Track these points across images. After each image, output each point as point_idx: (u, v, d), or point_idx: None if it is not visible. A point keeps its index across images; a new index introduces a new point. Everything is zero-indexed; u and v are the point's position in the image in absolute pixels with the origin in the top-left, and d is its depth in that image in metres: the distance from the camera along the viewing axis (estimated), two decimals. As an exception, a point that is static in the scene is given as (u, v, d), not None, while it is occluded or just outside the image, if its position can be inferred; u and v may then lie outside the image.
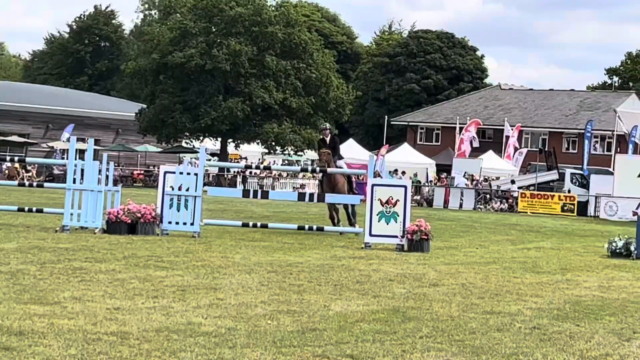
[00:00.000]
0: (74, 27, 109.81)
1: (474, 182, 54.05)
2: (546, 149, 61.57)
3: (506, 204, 50.07)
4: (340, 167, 23.76)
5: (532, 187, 52.16)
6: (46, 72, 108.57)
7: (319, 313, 10.41)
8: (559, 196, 48.89)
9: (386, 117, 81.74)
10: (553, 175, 54.35)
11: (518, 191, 50.93)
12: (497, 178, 57.67)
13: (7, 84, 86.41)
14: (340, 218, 23.99)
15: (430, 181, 58.45)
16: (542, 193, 49.53)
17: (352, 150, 58.71)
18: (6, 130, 68.68)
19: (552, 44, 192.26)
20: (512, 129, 68.61)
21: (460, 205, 49.64)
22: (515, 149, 67.63)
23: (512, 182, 54.51)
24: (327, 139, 23.62)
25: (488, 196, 51.56)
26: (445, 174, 59.31)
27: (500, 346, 8.98)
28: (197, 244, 17.99)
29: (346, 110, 67.05)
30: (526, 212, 47.01)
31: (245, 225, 21.69)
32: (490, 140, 77.47)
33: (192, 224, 20.00)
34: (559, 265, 17.60)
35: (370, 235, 19.37)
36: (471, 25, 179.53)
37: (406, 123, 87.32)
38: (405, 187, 19.89)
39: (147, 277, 12.65)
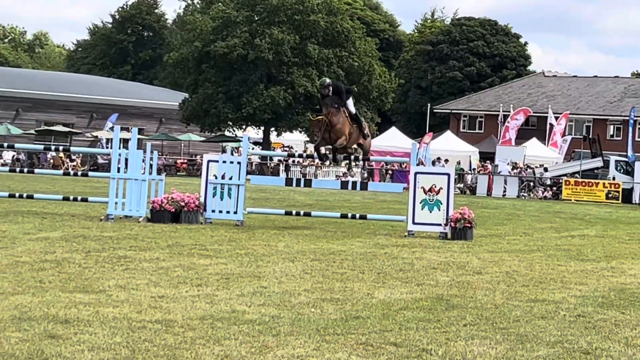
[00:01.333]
0: (117, 17, 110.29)
1: (518, 170, 53.75)
2: (590, 136, 61.10)
3: (550, 192, 49.76)
4: (348, 107, 20.31)
5: (576, 175, 51.79)
6: (89, 62, 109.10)
7: (362, 301, 10.41)
8: (604, 183, 48.53)
9: (429, 105, 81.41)
10: (597, 162, 53.90)
11: (553, 179, 50.72)
12: (541, 166, 57.35)
13: (51, 74, 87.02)
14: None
15: (474, 169, 58.17)
16: (586, 180, 49.19)
17: (394, 139, 58.63)
18: (51, 120, 69.23)
19: (596, 30, 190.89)
20: (556, 117, 67.98)
21: (504, 193, 49.42)
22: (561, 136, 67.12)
23: (545, 169, 54.05)
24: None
25: (532, 184, 51.27)
26: (488, 161, 59.02)
27: (545, 334, 8.93)
28: (241, 233, 18.04)
29: (389, 98, 66.92)
30: (570, 200, 46.74)
31: (288, 213, 21.64)
32: (534, 127, 76.86)
33: (235, 212, 20.08)
34: (603, 252, 17.48)
35: (414, 223, 19.33)
36: (514, 12, 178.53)
37: (449, 111, 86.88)
38: (449, 174, 19.82)
39: (191, 266, 12.70)
